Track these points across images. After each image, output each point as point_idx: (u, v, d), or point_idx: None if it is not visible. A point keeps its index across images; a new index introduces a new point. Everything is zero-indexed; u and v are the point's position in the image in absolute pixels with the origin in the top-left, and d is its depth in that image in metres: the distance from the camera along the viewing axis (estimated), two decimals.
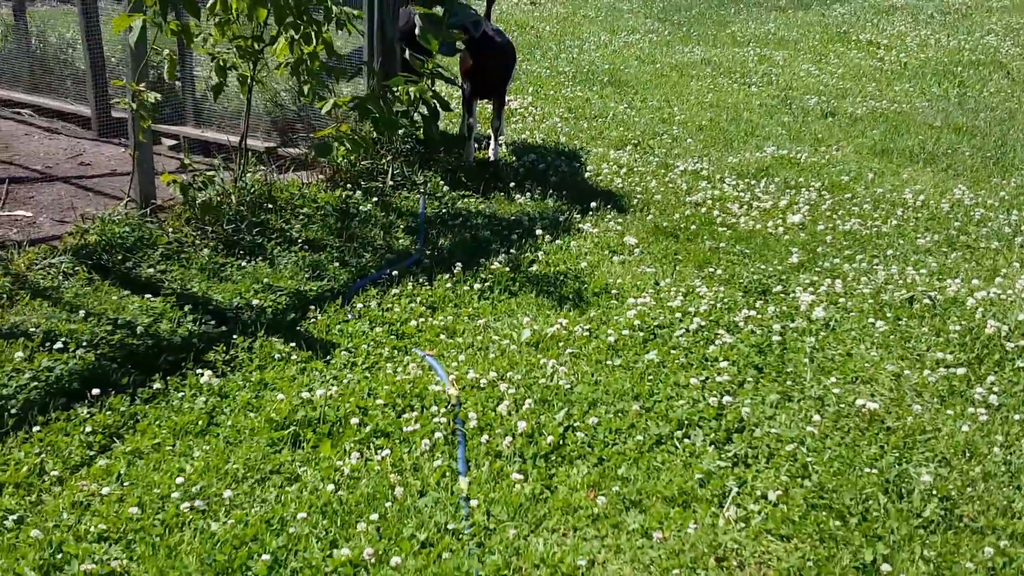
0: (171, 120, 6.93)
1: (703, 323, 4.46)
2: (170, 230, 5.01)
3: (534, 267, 5.16)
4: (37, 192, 5.81)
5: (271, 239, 5.14)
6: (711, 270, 5.17)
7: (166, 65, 5.05)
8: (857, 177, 6.89)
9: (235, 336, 4.14)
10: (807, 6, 15.43)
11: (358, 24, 5.49)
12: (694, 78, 10.12)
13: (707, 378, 3.94)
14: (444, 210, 5.91)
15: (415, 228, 5.61)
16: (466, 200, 6.13)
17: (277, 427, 3.49)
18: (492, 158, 6.90)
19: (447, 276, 4.95)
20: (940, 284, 4.96)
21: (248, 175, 5.55)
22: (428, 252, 5.31)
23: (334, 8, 5.08)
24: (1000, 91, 9.70)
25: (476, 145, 7.12)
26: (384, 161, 6.11)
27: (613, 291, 4.88)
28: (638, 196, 6.36)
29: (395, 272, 4.92)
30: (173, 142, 6.78)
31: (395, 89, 5.52)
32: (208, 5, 4.95)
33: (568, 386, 3.84)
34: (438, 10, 5.91)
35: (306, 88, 5.24)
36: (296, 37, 5.01)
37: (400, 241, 5.43)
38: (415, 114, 6.21)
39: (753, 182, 6.75)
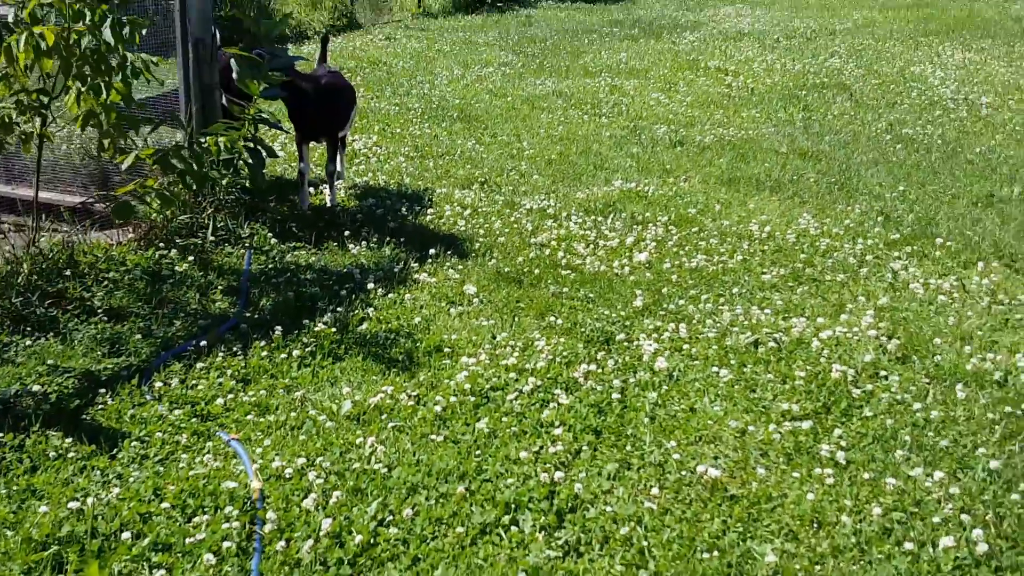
0: None
1: (539, 382, 4.14)
2: None
3: (364, 326, 4.76)
4: None
5: (67, 311, 4.61)
6: (552, 319, 4.87)
7: None
8: (704, 209, 6.71)
9: (2, 434, 3.60)
10: (658, 35, 15.46)
11: (158, 71, 5.03)
12: (545, 111, 9.89)
13: (541, 448, 3.61)
14: (271, 265, 5.46)
15: (237, 288, 5.15)
16: (296, 253, 5.69)
17: (37, 548, 2.99)
18: (329, 204, 6.49)
19: (265, 343, 4.51)
20: (785, 324, 4.76)
21: (45, 238, 5.02)
22: (248, 315, 4.86)
23: (129, 55, 4.62)
24: (844, 113, 9.74)
25: (312, 191, 6.71)
26: (206, 214, 5.63)
27: (447, 349, 4.52)
28: (481, 239, 6.03)
29: (204, 342, 4.44)
30: None
31: (203, 139, 5.07)
32: None
33: (386, 470, 3.45)
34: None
35: (106, 142, 4.75)
36: (83, 89, 4.53)
37: (217, 304, 4.94)
38: (239, 162, 5.77)
39: (600, 219, 6.50)
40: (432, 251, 5.72)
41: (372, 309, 4.93)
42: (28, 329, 4.46)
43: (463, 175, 7.44)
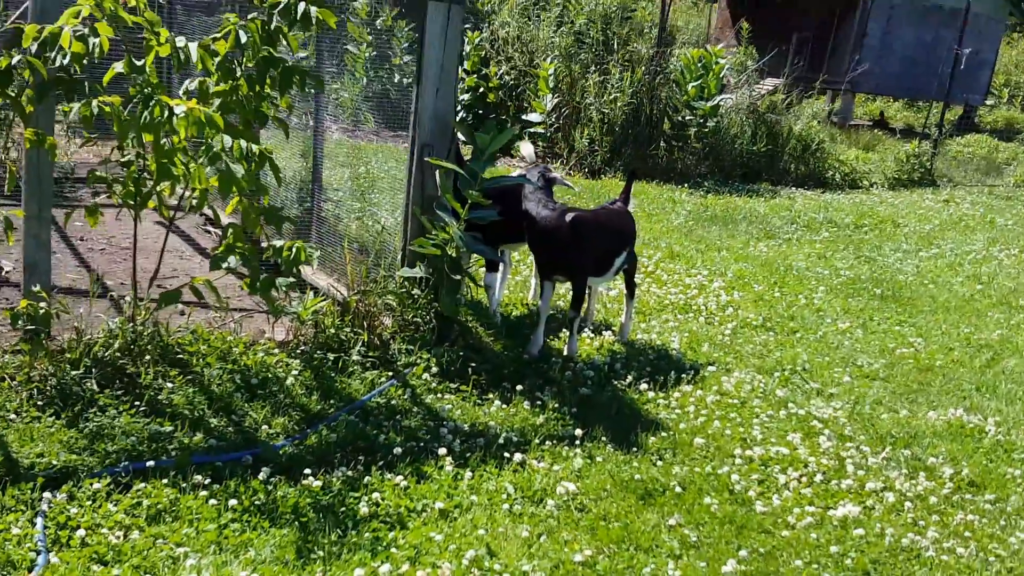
0: None
1: None
2: None
3: (375, 495, 3.85)
4: None
5: (117, 396, 4.27)
6: (602, 556, 3.55)
7: None
8: None
9: None
10: None
11: None
12: (1011, 310, 7.65)
13: None
14: (396, 402, 4.71)
15: (324, 416, 4.49)
16: (443, 397, 4.85)
17: None
18: (566, 353, 5.56)
19: (233, 483, 3.82)
20: None
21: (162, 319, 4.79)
22: (283, 451, 4.14)
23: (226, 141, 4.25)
24: None
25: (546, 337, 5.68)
26: (370, 332, 5.10)
27: (409, 557, 3.49)
28: (677, 435, 4.67)
29: (151, 463, 3.85)
30: None
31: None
32: None
33: None
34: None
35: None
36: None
37: (271, 429, 4.29)
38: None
39: (870, 450, 4.71)
40: (580, 432, 4.55)
41: (405, 479, 3.99)
42: (58, 406, 4.12)
43: (779, 359, 5.94)
